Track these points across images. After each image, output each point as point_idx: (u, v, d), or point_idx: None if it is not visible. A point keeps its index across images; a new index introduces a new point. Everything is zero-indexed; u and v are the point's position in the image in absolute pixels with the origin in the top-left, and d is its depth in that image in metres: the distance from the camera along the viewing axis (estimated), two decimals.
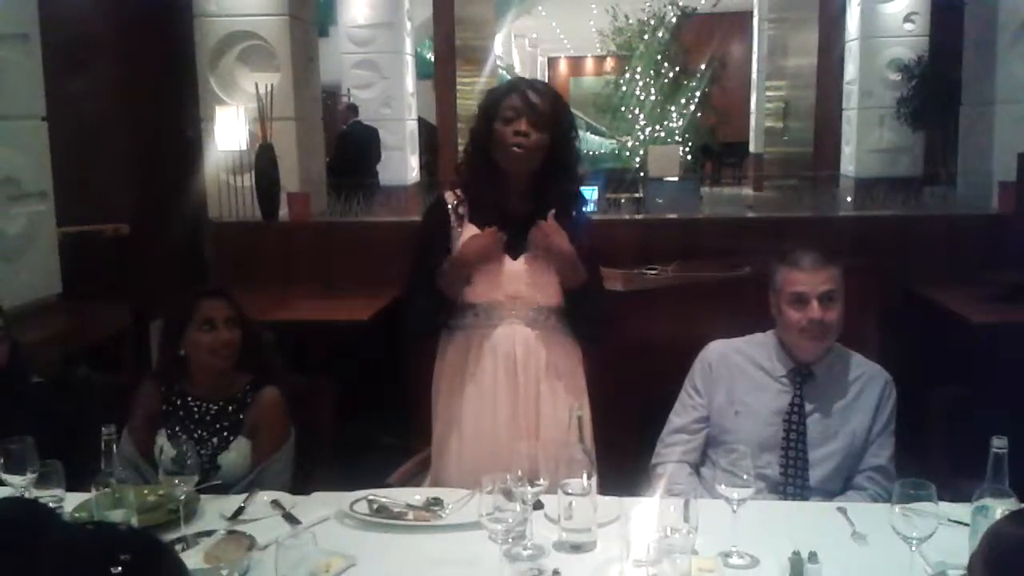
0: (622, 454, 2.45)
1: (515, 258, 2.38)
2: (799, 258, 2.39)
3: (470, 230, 2.39)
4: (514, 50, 19.34)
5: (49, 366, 3.15)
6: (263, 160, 5.16)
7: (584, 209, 2.50)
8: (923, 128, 8.85)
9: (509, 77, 13.03)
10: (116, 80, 5.51)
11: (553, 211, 2.34)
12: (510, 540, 1.77)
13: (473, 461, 2.36)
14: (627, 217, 5.66)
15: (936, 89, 7.99)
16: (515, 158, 2.34)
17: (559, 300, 2.42)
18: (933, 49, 8.93)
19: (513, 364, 2.39)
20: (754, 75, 15.42)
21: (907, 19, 9.16)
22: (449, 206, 2.44)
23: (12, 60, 3.76)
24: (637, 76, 13.86)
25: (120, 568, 0.97)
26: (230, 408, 2.52)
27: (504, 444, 2.34)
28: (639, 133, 13.60)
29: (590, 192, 5.09)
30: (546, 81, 2.65)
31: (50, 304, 3.98)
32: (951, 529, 1.80)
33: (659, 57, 13.75)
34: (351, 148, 9.12)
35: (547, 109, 2.33)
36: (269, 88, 5.24)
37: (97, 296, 4.34)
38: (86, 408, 2.60)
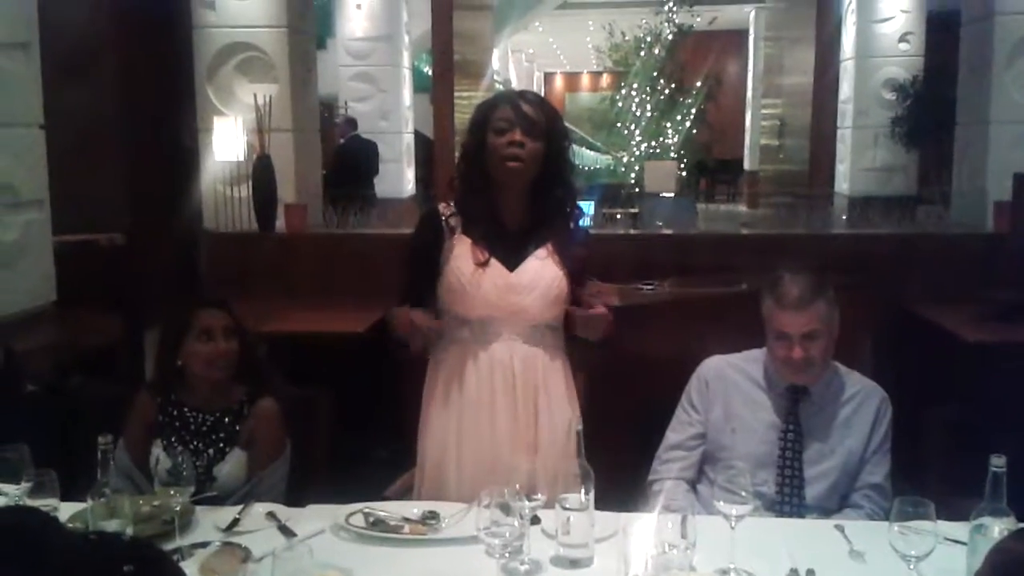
0: (619, 469, 2.44)
1: (512, 270, 2.35)
2: (784, 294, 2.35)
3: (463, 242, 2.38)
4: (511, 65, 19.37)
5: (43, 375, 3.14)
6: (260, 171, 5.16)
7: (581, 222, 2.48)
8: (918, 147, 8.88)
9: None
10: (114, 90, 5.51)
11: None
12: (507, 555, 1.77)
13: (472, 476, 2.34)
14: (623, 232, 5.66)
15: (931, 109, 8.01)
16: (511, 170, 2.32)
17: (555, 316, 2.40)
18: (928, 69, 8.98)
19: (512, 378, 2.37)
20: (749, 93, 15.47)
21: (902, 39, 9.20)
22: (443, 218, 2.42)
23: (11, 68, 3.76)
24: (633, 92, 13.90)
25: None
26: (226, 419, 2.51)
27: (504, 459, 2.34)
28: (635, 149, 13.63)
29: (587, 206, 5.09)
30: (537, 92, 2.64)
31: (45, 313, 3.96)
32: (949, 547, 1.80)
33: (655, 74, 13.80)
34: (350, 161, 9.12)
35: (540, 118, 2.32)
36: (267, 99, 5.24)
37: (92, 305, 4.31)
38: (80, 417, 2.59)
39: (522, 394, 2.37)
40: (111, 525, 1.80)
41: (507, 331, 2.37)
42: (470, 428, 2.39)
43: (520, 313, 2.35)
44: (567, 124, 2.51)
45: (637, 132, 13.70)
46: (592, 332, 2.39)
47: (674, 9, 13.51)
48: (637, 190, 10.06)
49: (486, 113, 2.37)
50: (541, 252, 2.37)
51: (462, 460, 2.39)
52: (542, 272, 2.35)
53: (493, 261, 2.35)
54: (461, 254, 2.37)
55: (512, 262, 2.36)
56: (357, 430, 3.38)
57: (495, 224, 2.39)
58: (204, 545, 1.97)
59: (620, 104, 14.09)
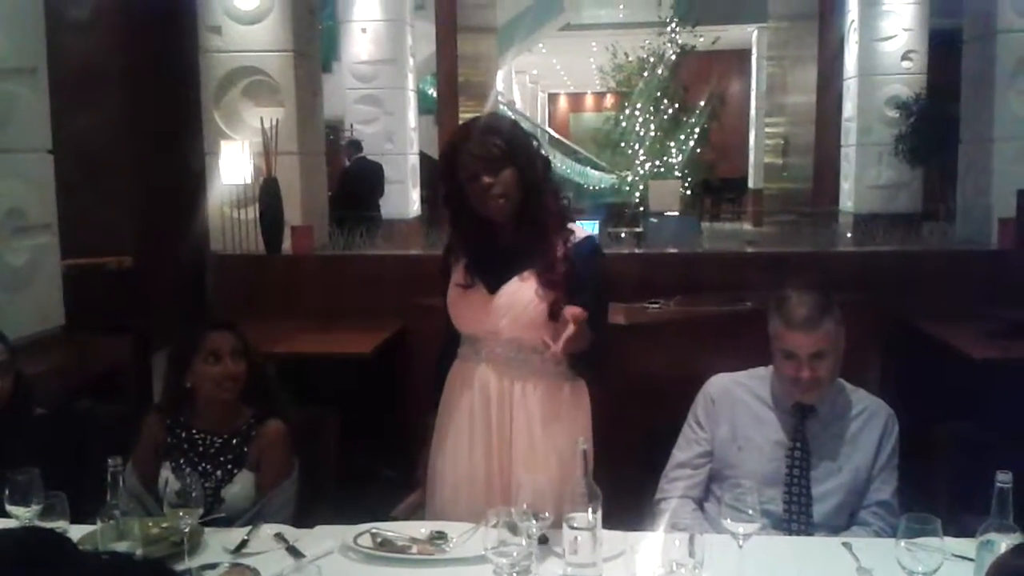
0: (626, 488, 2.44)
1: (492, 292, 2.35)
2: (792, 314, 2.34)
3: (460, 264, 2.41)
4: (515, 86, 19.49)
5: (52, 398, 3.14)
6: (267, 194, 5.19)
7: (589, 234, 2.42)
8: (921, 165, 8.90)
9: (510, 113, 13.15)
10: (121, 114, 5.56)
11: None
12: (515, 574, 1.77)
13: (454, 493, 2.38)
14: (628, 251, 5.67)
15: (934, 126, 8.03)
16: (498, 210, 2.32)
17: (537, 339, 2.31)
18: (931, 86, 9.01)
19: (487, 400, 2.37)
20: (752, 112, 15.55)
21: (905, 57, 9.24)
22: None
23: (19, 93, 3.79)
24: (637, 112, 13.98)
25: None
26: (234, 441, 2.52)
27: (481, 479, 2.35)
28: (639, 168, 13.69)
29: (591, 226, 5.10)
30: (490, 113, 2.61)
31: (53, 336, 3.98)
32: (956, 564, 1.80)
33: (658, 94, 13.88)
34: (355, 183, 9.17)
35: (496, 151, 2.28)
36: (273, 123, 5.28)
37: (100, 328, 4.33)
38: (88, 440, 2.60)
39: (497, 414, 2.37)
40: (121, 547, 1.81)
41: (490, 351, 2.38)
42: (451, 446, 2.42)
43: (497, 334, 2.35)
44: (569, 143, 2.49)
45: (641, 151, 13.77)
46: (572, 345, 2.21)
47: (677, 29, 13.61)
48: (641, 209, 10.10)
49: (450, 162, 2.35)
50: (525, 275, 2.34)
51: (445, 478, 2.42)
52: (518, 295, 2.33)
53: (478, 283, 2.37)
54: (455, 275, 2.42)
55: (495, 284, 2.36)
56: (364, 450, 3.39)
57: (485, 246, 2.40)
58: (213, 567, 1.97)
59: (624, 124, 14.17)
